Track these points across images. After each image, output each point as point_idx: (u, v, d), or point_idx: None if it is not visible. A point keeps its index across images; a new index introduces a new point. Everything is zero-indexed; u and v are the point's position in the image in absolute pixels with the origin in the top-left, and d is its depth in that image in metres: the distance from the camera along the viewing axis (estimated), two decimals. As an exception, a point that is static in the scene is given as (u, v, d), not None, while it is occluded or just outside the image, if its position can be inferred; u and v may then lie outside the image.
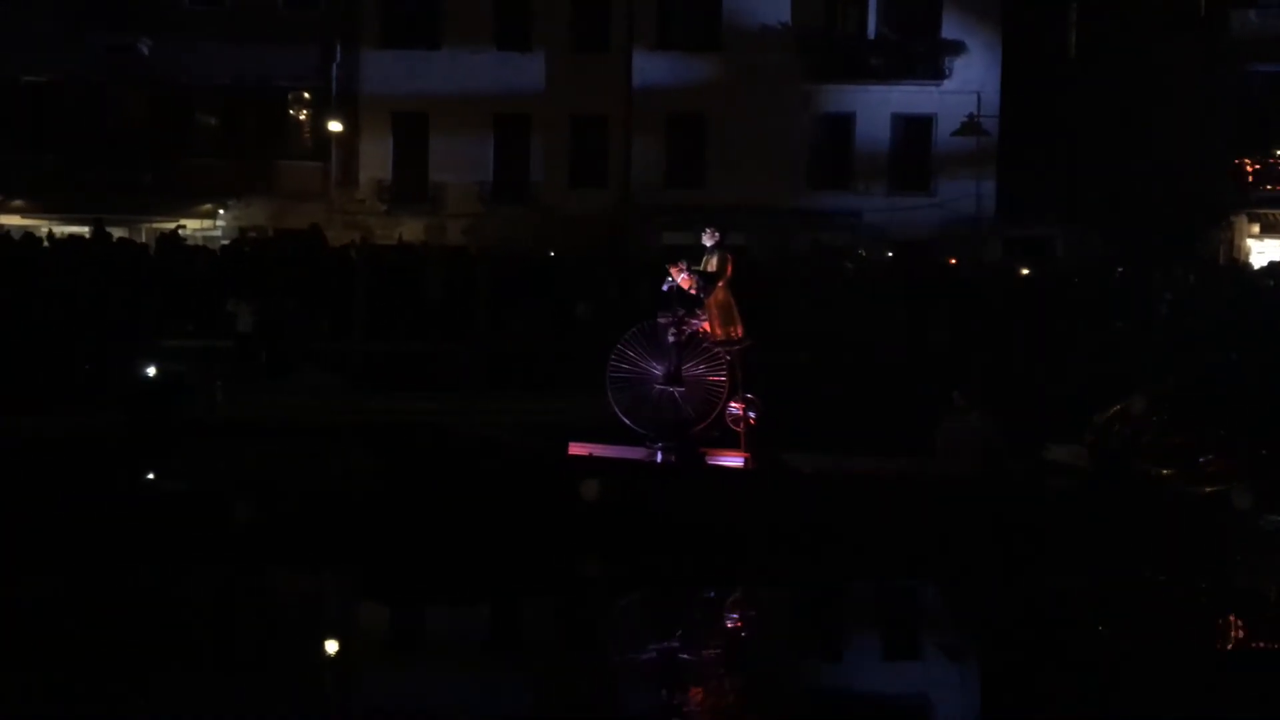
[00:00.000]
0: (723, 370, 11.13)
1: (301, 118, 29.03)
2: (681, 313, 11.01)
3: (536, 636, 8.65)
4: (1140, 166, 27.06)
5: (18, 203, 26.92)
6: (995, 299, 19.52)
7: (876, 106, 28.19)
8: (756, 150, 27.30)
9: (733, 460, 11.05)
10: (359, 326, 18.46)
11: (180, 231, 24.61)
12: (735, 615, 9.70)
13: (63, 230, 23.94)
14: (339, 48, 28.02)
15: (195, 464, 11.86)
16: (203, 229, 26.64)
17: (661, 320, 11.09)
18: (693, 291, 10.96)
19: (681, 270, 11.00)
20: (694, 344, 11.17)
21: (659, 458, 10.88)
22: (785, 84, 27.66)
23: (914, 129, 28.46)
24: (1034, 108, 27.84)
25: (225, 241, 25.07)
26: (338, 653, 8.25)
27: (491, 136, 28.44)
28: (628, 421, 11.15)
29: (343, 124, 27.77)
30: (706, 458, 11.05)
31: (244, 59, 27.34)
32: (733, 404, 11.07)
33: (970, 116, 26.85)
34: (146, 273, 19.04)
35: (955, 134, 27.19)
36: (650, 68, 27.85)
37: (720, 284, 11.00)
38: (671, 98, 27.73)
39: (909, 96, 28.08)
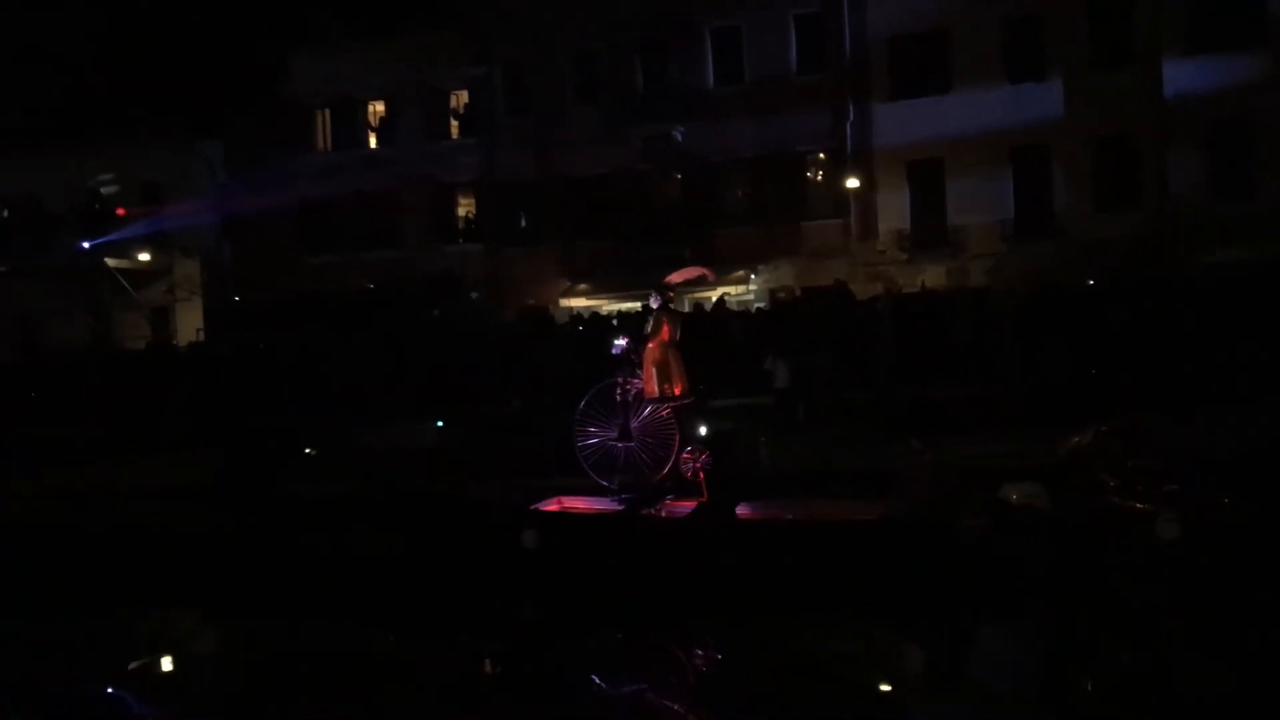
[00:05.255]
0: (671, 424, 11.79)
1: (819, 178, 30.26)
2: (626, 373, 11.91)
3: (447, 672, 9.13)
4: None
5: (582, 286, 30.59)
6: None
7: None
8: (1320, 147, 24.20)
9: (685, 509, 11.40)
10: (888, 375, 18.76)
11: (717, 298, 26.56)
12: (633, 664, 9.40)
13: (618, 307, 26.82)
14: (851, 107, 28.95)
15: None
16: (738, 294, 28.56)
17: (612, 381, 11.97)
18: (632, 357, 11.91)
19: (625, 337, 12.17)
20: (640, 401, 11.97)
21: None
22: (1351, 67, 24.32)
23: None
24: None
25: (759, 304, 26.68)
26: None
27: (1010, 171, 27.80)
28: (594, 476, 11.96)
29: (859, 179, 28.56)
30: (661, 508, 11.50)
31: (764, 130, 29.15)
32: (684, 455, 11.63)
33: None
34: (693, 339, 20.71)
35: None
36: (1183, 75, 25.72)
37: (652, 344, 11.85)
38: (1209, 104, 25.39)
39: None
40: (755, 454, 14.72)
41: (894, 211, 28.74)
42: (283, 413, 19.45)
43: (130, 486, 15.74)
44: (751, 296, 28.61)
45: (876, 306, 21.42)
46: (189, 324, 32.40)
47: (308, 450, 16.96)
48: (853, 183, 28.55)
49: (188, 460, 17.28)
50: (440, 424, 17.51)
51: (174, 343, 30.32)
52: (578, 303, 29.65)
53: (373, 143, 34.13)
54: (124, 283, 32.19)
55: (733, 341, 20.60)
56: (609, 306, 27.45)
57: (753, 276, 29.22)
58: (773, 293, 28.09)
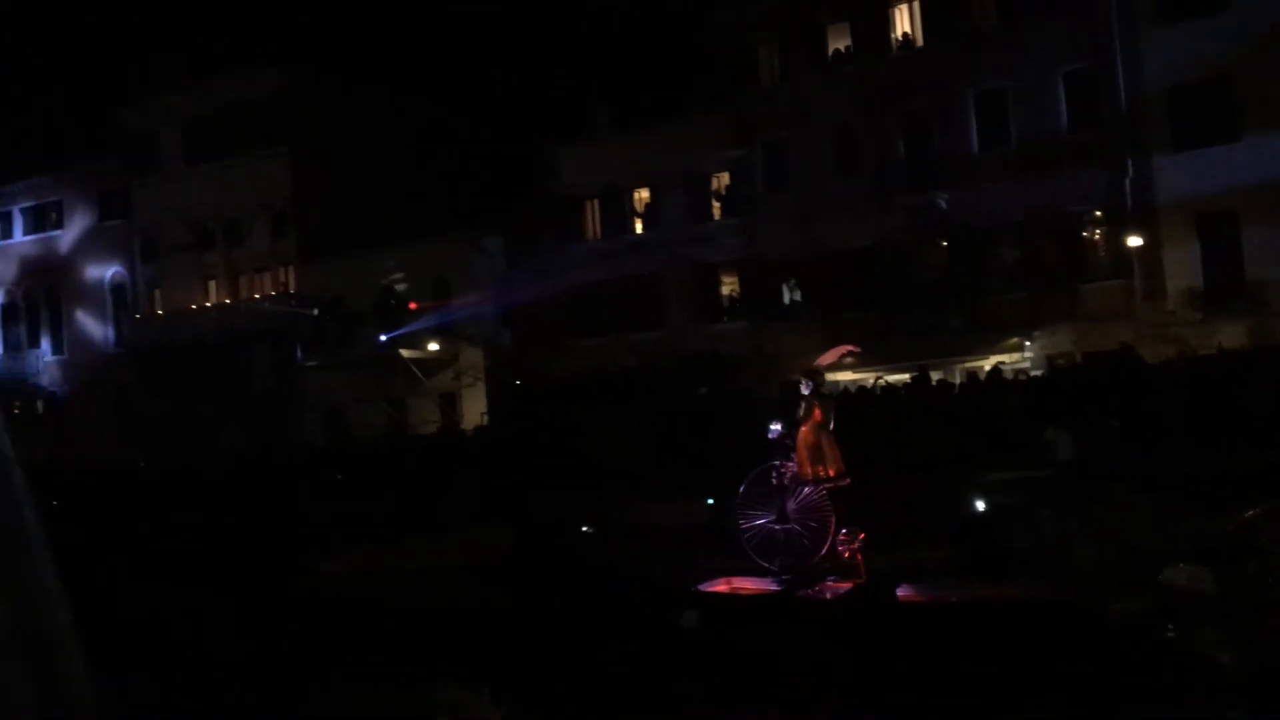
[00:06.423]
0: (826, 506, 12.07)
1: (1096, 238, 28.88)
2: (782, 457, 12.39)
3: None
4: None
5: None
6: None
7: None
8: None
9: (840, 590, 11.61)
10: (1181, 443, 17.51)
11: (991, 367, 25.68)
12: None
13: (886, 379, 26.36)
14: (1129, 161, 27.55)
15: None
16: (1012, 362, 27.49)
17: (769, 465, 12.44)
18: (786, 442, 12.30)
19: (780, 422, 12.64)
20: (796, 484, 12.33)
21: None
22: None
23: None
24: None
25: (1036, 372, 25.59)
26: None
27: (1316, 219, 25.58)
28: (755, 558, 12.35)
29: (1142, 237, 27.03)
30: (823, 589, 11.74)
31: (1033, 192, 28.06)
32: (841, 536, 11.92)
33: None
34: (966, 410, 20.14)
35: None
36: None
37: (805, 428, 12.22)
38: None
39: None
40: (1039, 529, 14.13)
41: (1183, 269, 26.94)
42: (561, 492, 20.23)
43: (424, 563, 16.79)
44: (1028, 364, 27.47)
45: (1169, 370, 20.15)
46: (474, 408, 34.38)
47: (585, 529, 17.58)
48: (1135, 241, 27.02)
49: (476, 539, 18.25)
50: (710, 501, 17.70)
51: (461, 427, 32.25)
52: (843, 375, 29.35)
53: (638, 228, 35.37)
54: (416, 372, 34.70)
55: (1010, 411, 19.87)
56: (875, 378, 27.04)
57: (1028, 344, 28.06)
58: (1050, 359, 26.87)
